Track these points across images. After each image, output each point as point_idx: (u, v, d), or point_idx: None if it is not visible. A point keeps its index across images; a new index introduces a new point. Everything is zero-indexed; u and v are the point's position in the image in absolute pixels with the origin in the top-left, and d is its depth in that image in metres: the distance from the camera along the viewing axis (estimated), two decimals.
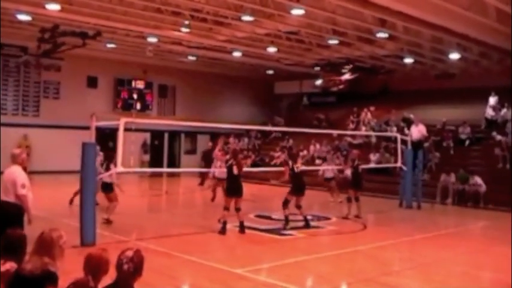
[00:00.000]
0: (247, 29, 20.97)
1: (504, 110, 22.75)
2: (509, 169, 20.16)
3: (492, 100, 23.18)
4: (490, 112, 23.20)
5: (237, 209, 11.83)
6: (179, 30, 21.16)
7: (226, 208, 11.78)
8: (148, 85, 29.05)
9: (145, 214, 15.54)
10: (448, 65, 25.06)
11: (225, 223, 11.66)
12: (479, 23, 17.23)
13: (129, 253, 3.88)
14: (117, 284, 3.83)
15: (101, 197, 12.75)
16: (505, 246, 10.99)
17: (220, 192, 15.41)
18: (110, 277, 3.96)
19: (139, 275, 3.88)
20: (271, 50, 24.31)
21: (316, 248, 10.65)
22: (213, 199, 16.63)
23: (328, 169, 18.73)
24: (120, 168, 11.07)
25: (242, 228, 11.81)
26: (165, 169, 28.60)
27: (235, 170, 11.86)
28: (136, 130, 23.41)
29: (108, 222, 12.08)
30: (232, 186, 11.99)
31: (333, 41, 22.44)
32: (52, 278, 3.66)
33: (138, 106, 28.49)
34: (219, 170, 15.50)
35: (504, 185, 19.23)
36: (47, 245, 4.15)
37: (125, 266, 3.81)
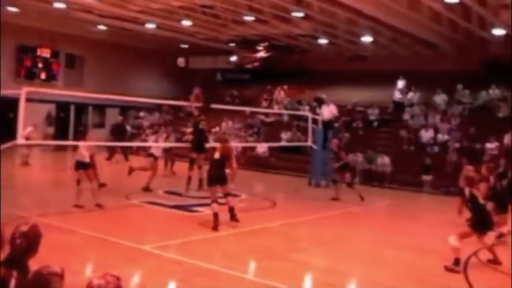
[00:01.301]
0: (162, 0, 20.34)
1: (411, 94, 23.50)
2: (414, 150, 20.91)
3: (400, 83, 23.87)
4: (397, 95, 23.90)
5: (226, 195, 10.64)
6: None
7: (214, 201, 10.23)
8: (55, 54, 27.60)
9: (48, 189, 14.84)
10: (361, 47, 25.52)
11: (231, 209, 10.39)
12: (390, 8, 17.64)
13: (24, 228, 3.65)
14: (9, 260, 3.56)
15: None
16: (406, 223, 11.73)
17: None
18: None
19: (34, 252, 3.64)
20: (186, 23, 23.77)
21: (224, 225, 10.49)
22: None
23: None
24: (20, 140, 10.45)
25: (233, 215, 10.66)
26: (70, 142, 27.22)
27: (217, 154, 10.48)
28: (40, 101, 22.28)
29: None
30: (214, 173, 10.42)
31: (249, 18, 22.22)
32: None
33: (43, 76, 27.03)
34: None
35: (408, 165, 19.96)
36: None
37: (17, 241, 3.58)
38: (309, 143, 17.91)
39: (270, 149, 22.28)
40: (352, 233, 9.22)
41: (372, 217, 13.16)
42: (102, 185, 14.13)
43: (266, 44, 26.75)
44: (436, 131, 20.95)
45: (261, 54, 27.69)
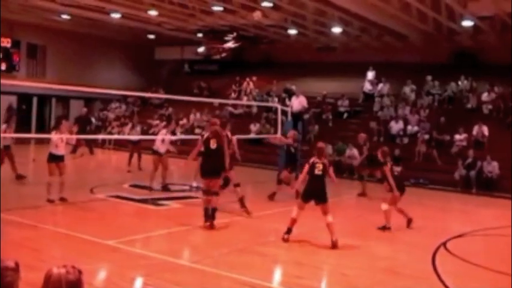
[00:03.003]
0: None
1: (381, 85, 23.43)
2: (383, 142, 20.81)
3: (370, 75, 23.80)
4: (367, 86, 23.84)
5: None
6: None
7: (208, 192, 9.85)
8: (16, 44, 26.64)
9: (9, 184, 14.20)
10: (330, 38, 25.37)
11: (213, 210, 9.75)
12: None
13: None
14: None
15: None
16: (373, 214, 11.46)
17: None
18: None
19: None
20: (152, 13, 23.22)
21: (191, 219, 10.33)
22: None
23: None
24: None
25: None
26: (32, 135, 26.42)
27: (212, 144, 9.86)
28: (1, 93, 21.50)
29: None
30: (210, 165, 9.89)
31: (217, 8, 21.88)
32: None
33: (3, 66, 26.04)
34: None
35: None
36: None
37: None
38: (278, 135, 17.62)
39: (239, 141, 21.91)
40: (320, 225, 9.05)
41: (340, 209, 13.03)
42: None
43: (234, 34, 26.37)
44: (406, 122, 20.90)
45: (229, 44, 27.29)
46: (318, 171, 8.80)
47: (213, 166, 9.78)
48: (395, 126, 20.84)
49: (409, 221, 10.57)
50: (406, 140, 20.41)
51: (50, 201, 10.97)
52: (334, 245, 8.50)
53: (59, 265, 2.95)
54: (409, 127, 20.68)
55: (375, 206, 13.20)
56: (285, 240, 8.78)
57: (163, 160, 14.00)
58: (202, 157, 10.11)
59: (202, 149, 9.92)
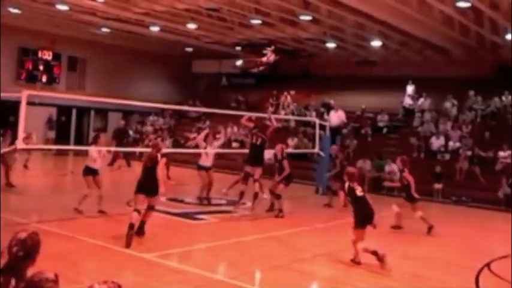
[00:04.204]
0: (166, 2, 20.05)
1: (421, 100, 22.97)
2: (424, 158, 20.36)
3: (410, 89, 23.39)
4: (407, 101, 23.41)
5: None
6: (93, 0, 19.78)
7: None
8: (57, 56, 27.12)
9: (48, 195, 14.52)
10: (370, 52, 25.06)
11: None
12: (400, 11, 17.25)
13: (22, 235, 3.52)
14: (6, 268, 3.44)
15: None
16: (416, 233, 11.48)
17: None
18: None
19: (32, 260, 3.50)
20: (191, 26, 23.37)
21: (228, 234, 10.32)
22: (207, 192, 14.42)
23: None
24: (20, 145, 10.23)
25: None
26: (71, 147, 26.76)
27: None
28: (41, 104, 21.85)
29: None
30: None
31: (256, 21, 21.82)
32: None
33: (44, 79, 26.53)
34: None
35: (418, 173, 19.34)
36: None
37: (14, 249, 3.45)
38: (316, 150, 17.41)
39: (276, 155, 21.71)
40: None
41: (379, 226, 12.73)
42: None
43: (272, 47, 26.16)
44: (447, 138, 20.37)
45: (267, 58, 27.16)
46: (359, 192, 8.50)
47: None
48: (436, 142, 20.33)
49: (430, 228, 11.31)
50: (447, 157, 19.87)
51: (78, 211, 11.04)
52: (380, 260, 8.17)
53: (100, 281, 3.00)
54: (451, 143, 20.15)
55: (416, 226, 12.92)
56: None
57: (209, 174, 13.99)
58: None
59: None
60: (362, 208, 8.45)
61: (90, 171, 11.34)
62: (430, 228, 11.36)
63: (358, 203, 8.44)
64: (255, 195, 12.63)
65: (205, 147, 14.32)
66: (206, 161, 14.07)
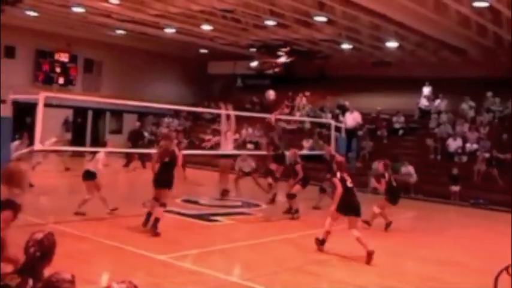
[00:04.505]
0: (181, 4, 20.04)
1: (438, 101, 22.76)
2: (441, 160, 20.17)
3: (426, 90, 23.17)
4: (424, 102, 23.19)
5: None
6: (108, 2, 19.90)
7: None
8: (73, 58, 27.30)
9: (64, 196, 14.67)
10: (385, 53, 24.89)
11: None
12: (416, 12, 17.10)
13: (38, 236, 3.60)
14: (24, 268, 3.54)
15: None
16: (432, 236, 11.49)
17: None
18: None
19: (48, 261, 3.60)
20: (206, 28, 23.36)
21: (243, 235, 10.41)
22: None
23: None
24: (38, 146, 10.39)
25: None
26: (87, 148, 26.85)
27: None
28: (58, 106, 21.97)
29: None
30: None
31: (270, 22, 21.73)
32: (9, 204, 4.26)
33: (61, 80, 26.72)
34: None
35: (435, 175, 19.24)
36: (12, 176, 4.41)
37: (31, 250, 3.54)
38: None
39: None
40: (373, 245, 8.83)
41: (394, 229, 12.69)
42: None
43: (287, 49, 26.19)
44: (464, 140, 20.15)
45: (282, 59, 27.11)
46: (349, 183, 9.15)
47: None
48: (453, 144, 20.12)
49: (388, 224, 11.78)
50: (464, 159, 19.64)
51: (81, 214, 11.10)
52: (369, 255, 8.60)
53: (118, 280, 3.07)
54: (468, 145, 19.91)
55: (431, 228, 12.83)
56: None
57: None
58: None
59: None
60: (348, 198, 9.07)
61: (90, 176, 11.35)
62: (388, 224, 11.84)
63: (347, 193, 9.06)
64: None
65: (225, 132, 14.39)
66: (226, 148, 14.23)
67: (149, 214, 9.95)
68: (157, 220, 9.69)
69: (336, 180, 9.13)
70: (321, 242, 9.22)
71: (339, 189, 9.06)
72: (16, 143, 13.42)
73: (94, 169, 11.40)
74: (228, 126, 14.55)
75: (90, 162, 11.64)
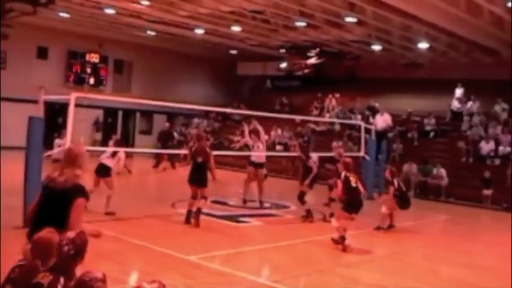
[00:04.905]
0: (211, 5, 20.05)
1: (470, 103, 22.37)
2: (473, 163, 19.83)
3: (458, 92, 22.79)
4: (455, 104, 22.81)
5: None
6: (138, 3, 20.04)
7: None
8: (104, 59, 27.65)
9: (93, 196, 14.47)
10: (416, 54, 24.61)
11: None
12: (448, 12, 16.84)
13: (71, 234, 3.68)
14: (56, 267, 3.59)
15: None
16: (464, 241, 11.36)
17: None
18: None
19: (81, 259, 3.67)
20: (235, 29, 23.38)
21: (272, 237, 10.38)
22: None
23: None
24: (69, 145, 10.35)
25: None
26: (117, 148, 27.06)
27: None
28: (89, 106, 22.12)
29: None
30: None
31: (300, 23, 21.63)
32: (83, 190, 4.44)
33: (92, 81, 27.07)
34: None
35: (467, 179, 18.93)
36: (74, 158, 4.58)
37: (65, 248, 3.59)
38: (362, 154, 17.15)
39: (320, 159, 21.51)
40: (403, 248, 8.84)
41: (426, 233, 12.56)
42: None
43: (317, 50, 26.07)
44: (497, 142, 19.77)
45: (312, 60, 26.99)
46: (353, 183, 9.42)
47: None
48: (486, 147, 19.75)
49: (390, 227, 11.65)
50: (497, 162, 19.27)
51: (111, 213, 11.17)
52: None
53: (148, 280, 3.17)
54: (501, 148, 19.53)
55: (464, 232, 12.59)
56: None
57: (257, 172, 14.04)
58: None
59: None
60: (353, 197, 9.42)
61: (106, 171, 11.44)
62: (390, 226, 11.77)
63: (351, 192, 9.39)
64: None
65: (252, 145, 14.28)
66: (255, 157, 13.99)
67: (189, 212, 10.43)
68: (199, 210, 10.24)
69: (338, 181, 9.53)
70: (341, 240, 9.35)
71: (339, 189, 9.53)
72: (59, 141, 13.66)
73: (112, 165, 11.50)
74: (257, 141, 14.28)
75: (109, 158, 11.61)
